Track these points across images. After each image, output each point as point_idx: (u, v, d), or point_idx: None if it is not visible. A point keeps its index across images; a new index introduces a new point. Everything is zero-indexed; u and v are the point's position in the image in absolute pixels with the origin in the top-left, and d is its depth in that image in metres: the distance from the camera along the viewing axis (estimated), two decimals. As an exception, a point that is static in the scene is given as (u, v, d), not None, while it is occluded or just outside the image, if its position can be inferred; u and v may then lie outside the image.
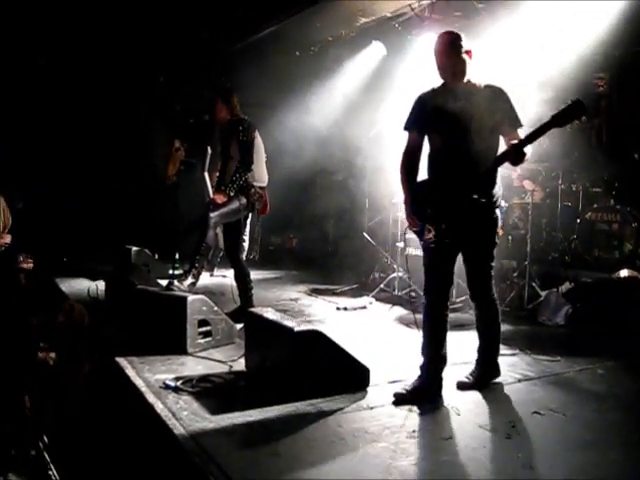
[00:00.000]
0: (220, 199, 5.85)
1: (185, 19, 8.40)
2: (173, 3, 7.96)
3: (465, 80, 4.01)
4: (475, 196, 3.91)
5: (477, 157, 3.90)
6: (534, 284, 6.68)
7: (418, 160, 4.27)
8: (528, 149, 3.83)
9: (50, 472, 2.90)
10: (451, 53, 3.97)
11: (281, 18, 8.16)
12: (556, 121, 3.64)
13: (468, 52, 4.00)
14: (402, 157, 4.28)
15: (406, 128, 4.27)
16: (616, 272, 6.46)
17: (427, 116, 4.13)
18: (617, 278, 6.40)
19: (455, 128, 3.96)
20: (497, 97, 3.99)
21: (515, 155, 3.84)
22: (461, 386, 4.16)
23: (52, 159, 9.68)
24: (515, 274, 6.94)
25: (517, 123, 3.99)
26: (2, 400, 2.53)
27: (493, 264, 4.22)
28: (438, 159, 4.09)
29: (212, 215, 5.78)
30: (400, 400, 3.89)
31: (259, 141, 6.15)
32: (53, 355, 2.77)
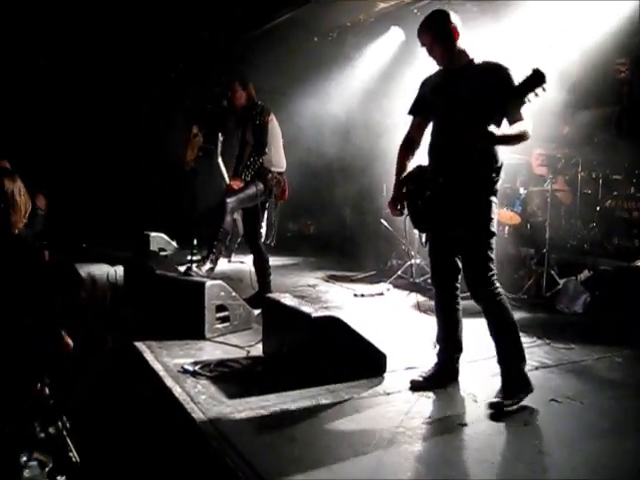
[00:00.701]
0: (237, 185, 5.85)
1: (203, 4, 8.39)
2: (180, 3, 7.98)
3: (463, 60, 3.82)
4: (452, 178, 3.70)
5: (460, 138, 3.57)
6: (552, 272, 6.65)
7: (412, 145, 4.15)
8: (497, 131, 3.56)
9: (70, 454, 2.94)
10: (427, 36, 3.86)
11: (300, 2, 8.12)
12: (515, 93, 3.46)
13: (452, 30, 3.79)
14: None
15: (408, 113, 4.21)
16: (635, 260, 6.41)
17: (421, 99, 4.09)
18: (636, 267, 6.35)
19: (441, 110, 3.87)
20: (492, 74, 3.71)
21: (475, 135, 3.52)
22: (492, 407, 3.57)
23: (71, 147, 9.73)
24: (533, 261, 6.91)
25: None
26: (22, 381, 2.57)
27: (490, 256, 3.75)
28: (430, 142, 3.99)
29: (229, 200, 5.78)
30: (416, 386, 3.89)
31: (275, 125, 6.10)
32: (70, 342, 2.80)
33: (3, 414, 2.49)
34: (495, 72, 3.72)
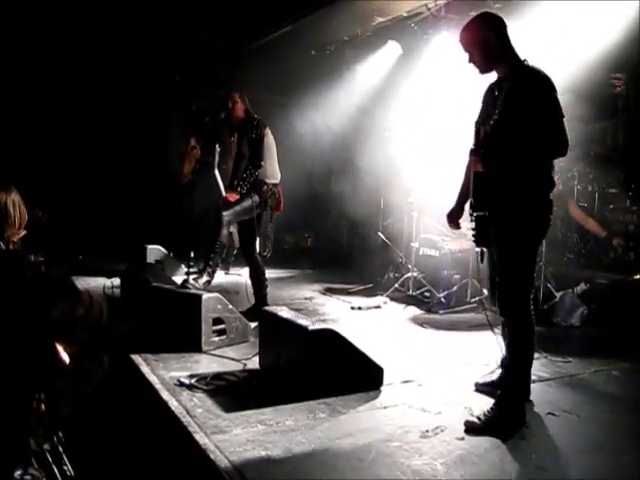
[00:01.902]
0: (232, 197, 5.87)
1: (199, 18, 8.43)
2: (182, 4, 7.99)
3: (510, 65, 3.61)
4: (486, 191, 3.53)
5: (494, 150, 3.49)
6: (549, 285, 6.65)
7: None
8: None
9: (65, 467, 2.92)
10: (468, 44, 3.69)
11: (298, 17, 8.16)
12: None
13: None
14: None
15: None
16: (632, 274, 6.42)
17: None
18: (633, 280, 6.36)
19: (484, 121, 3.68)
20: (527, 83, 3.50)
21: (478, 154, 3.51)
22: (468, 427, 3.49)
23: (68, 159, 9.74)
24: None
25: (537, 113, 3.39)
26: (17, 394, 2.56)
27: (519, 273, 3.55)
28: None
29: (225, 214, 5.79)
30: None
31: (270, 138, 6.12)
32: (65, 357, 2.79)
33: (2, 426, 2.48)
34: (530, 80, 3.53)
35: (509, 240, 3.54)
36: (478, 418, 3.53)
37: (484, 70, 3.69)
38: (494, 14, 3.76)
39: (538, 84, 3.45)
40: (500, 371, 4.01)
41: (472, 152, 3.60)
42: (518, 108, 3.46)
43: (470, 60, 3.69)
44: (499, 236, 3.55)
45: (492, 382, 4.06)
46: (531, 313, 3.61)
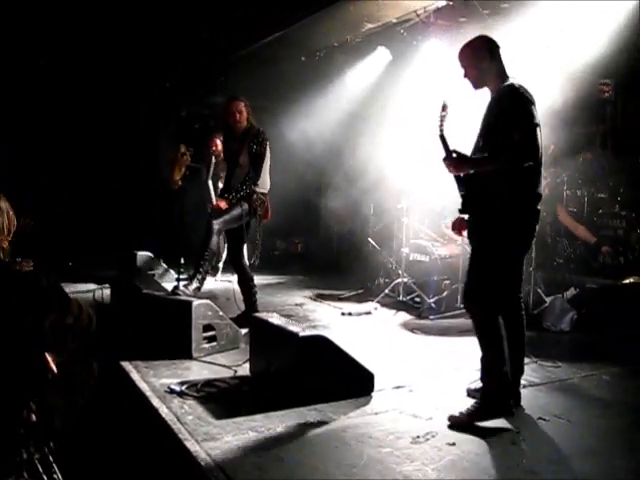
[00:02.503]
0: (223, 206, 5.87)
1: (190, 24, 8.43)
2: (178, 7, 7.99)
3: (498, 84, 3.86)
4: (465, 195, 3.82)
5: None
6: (539, 290, 6.68)
7: None
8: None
9: (55, 476, 2.90)
10: (464, 62, 3.95)
11: (287, 23, 8.17)
12: None
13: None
14: None
15: None
16: (621, 278, 6.45)
17: None
18: (622, 284, 6.39)
19: (479, 136, 3.95)
20: (502, 98, 3.80)
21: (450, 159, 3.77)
22: (453, 422, 3.66)
23: (58, 164, 9.72)
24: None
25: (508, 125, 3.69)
26: (7, 404, 2.54)
27: (488, 270, 3.76)
28: None
29: (215, 222, 5.79)
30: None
31: (268, 150, 6.13)
32: (54, 367, 2.77)
33: None
34: (504, 95, 3.80)
35: (485, 243, 3.79)
36: (461, 413, 3.66)
37: (476, 87, 3.96)
38: (490, 38, 4.02)
39: (512, 99, 3.71)
40: None
41: (443, 159, 3.81)
42: (495, 121, 3.78)
43: (465, 75, 3.95)
44: (478, 237, 3.85)
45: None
46: (496, 314, 3.75)
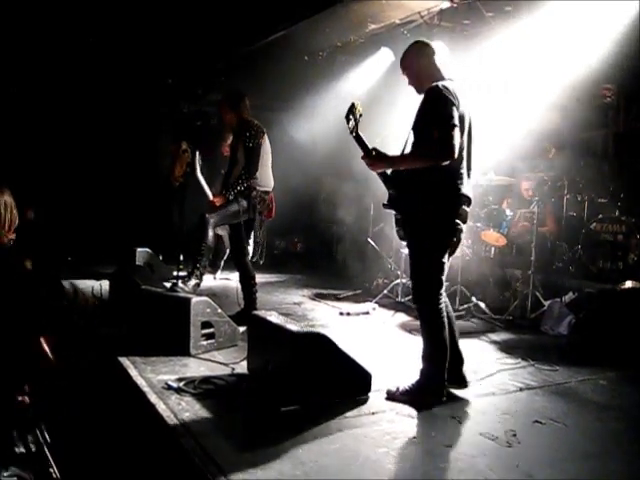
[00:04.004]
0: (218, 202, 5.87)
1: (193, 21, 8.42)
2: (182, 4, 7.98)
3: (426, 85, 4.06)
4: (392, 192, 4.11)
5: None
6: (537, 293, 6.68)
7: None
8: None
9: (51, 470, 2.91)
10: (403, 69, 4.26)
11: (291, 22, 8.17)
12: None
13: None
14: None
15: None
16: (620, 283, 6.45)
17: None
18: (621, 289, 6.39)
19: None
20: (425, 98, 4.01)
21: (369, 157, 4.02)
22: (389, 395, 4.03)
23: (58, 160, 9.72)
24: (518, 283, 6.94)
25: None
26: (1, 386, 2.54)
27: (423, 268, 4.03)
28: None
29: (208, 215, 5.79)
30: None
31: (266, 145, 6.12)
32: (50, 355, 2.77)
33: None
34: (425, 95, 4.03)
35: (413, 241, 4.08)
36: (397, 388, 4.02)
37: (417, 90, 4.20)
38: (423, 43, 4.23)
39: (433, 99, 3.90)
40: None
41: (362, 157, 4.09)
42: (416, 120, 4.05)
43: (409, 83, 4.25)
44: (409, 236, 4.11)
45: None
46: (438, 306, 3.97)
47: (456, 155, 3.79)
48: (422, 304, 4.07)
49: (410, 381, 4.04)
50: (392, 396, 4.00)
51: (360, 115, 4.07)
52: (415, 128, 4.03)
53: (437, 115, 3.81)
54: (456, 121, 3.78)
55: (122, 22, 8.41)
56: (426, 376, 4.01)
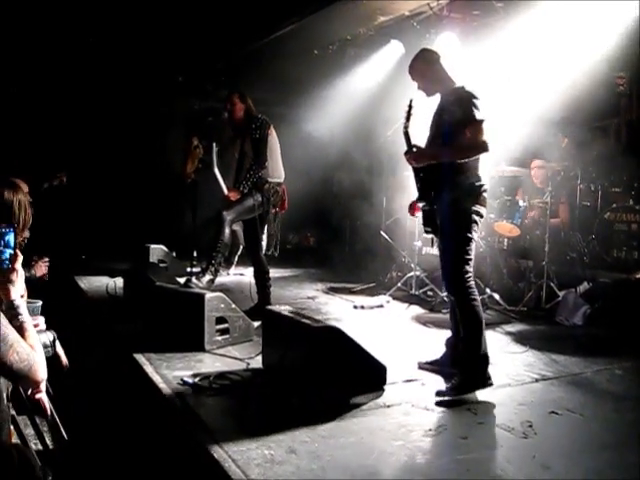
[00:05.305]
0: (234, 196, 5.90)
1: (203, 18, 8.42)
2: (192, 2, 7.98)
3: (445, 87, 4.39)
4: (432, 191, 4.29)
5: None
6: (552, 284, 6.65)
7: None
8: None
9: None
10: (413, 75, 4.54)
11: (300, 16, 8.15)
12: None
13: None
14: None
15: None
16: (635, 272, 6.42)
17: None
18: (636, 279, 6.36)
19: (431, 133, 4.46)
20: (455, 99, 4.24)
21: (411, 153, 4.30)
22: (438, 394, 3.97)
23: (70, 159, 9.75)
24: (533, 274, 6.92)
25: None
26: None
27: (457, 258, 4.15)
28: None
29: (226, 213, 5.81)
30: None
31: (274, 137, 6.13)
32: (65, 359, 2.78)
33: None
34: (456, 97, 4.27)
35: (446, 229, 4.22)
36: (446, 388, 4.00)
37: (428, 94, 4.49)
38: (429, 50, 4.64)
39: (465, 100, 4.16)
40: (445, 350, 4.53)
41: (405, 152, 4.35)
42: (444, 119, 4.30)
43: (418, 87, 4.50)
44: (440, 225, 4.26)
45: (436, 361, 4.54)
46: (472, 291, 4.13)
47: (489, 149, 4.08)
48: (457, 294, 4.20)
49: (453, 378, 4.07)
50: (443, 397, 3.96)
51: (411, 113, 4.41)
52: (441, 125, 4.30)
53: (469, 114, 4.09)
54: (485, 118, 4.10)
55: (131, 19, 8.42)
56: (474, 364, 4.08)
